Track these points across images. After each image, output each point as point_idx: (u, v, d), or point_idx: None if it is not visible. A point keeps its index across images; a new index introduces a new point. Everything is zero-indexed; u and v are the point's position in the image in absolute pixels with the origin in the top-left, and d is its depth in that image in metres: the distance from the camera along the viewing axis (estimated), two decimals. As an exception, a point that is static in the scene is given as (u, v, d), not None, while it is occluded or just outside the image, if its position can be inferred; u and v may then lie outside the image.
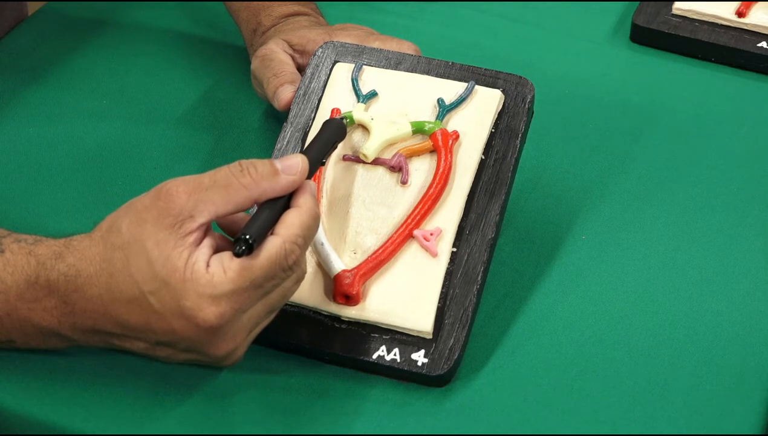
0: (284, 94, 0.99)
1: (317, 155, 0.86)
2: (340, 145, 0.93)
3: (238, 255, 0.77)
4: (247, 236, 0.77)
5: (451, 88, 0.95)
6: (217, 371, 0.85)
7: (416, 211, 0.89)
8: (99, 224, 0.80)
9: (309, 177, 0.82)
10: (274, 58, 1.02)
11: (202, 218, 0.77)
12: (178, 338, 0.78)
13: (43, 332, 0.80)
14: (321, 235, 0.88)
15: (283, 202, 0.80)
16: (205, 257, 0.77)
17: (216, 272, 0.76)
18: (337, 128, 0.89)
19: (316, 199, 0.81)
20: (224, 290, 0.76)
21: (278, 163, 0.80)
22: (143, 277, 0.76)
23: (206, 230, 0.79)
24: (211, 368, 0.85)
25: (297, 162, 0.81)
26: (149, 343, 0.79)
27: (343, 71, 0.97)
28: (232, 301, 0.76)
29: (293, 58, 1.03)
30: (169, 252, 0.76)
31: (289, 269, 0.79)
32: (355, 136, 0.94)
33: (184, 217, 0.77)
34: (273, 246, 0.78)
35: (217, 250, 0.79)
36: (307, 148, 0.86)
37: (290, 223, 0.79)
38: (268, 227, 0.79)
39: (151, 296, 0.76)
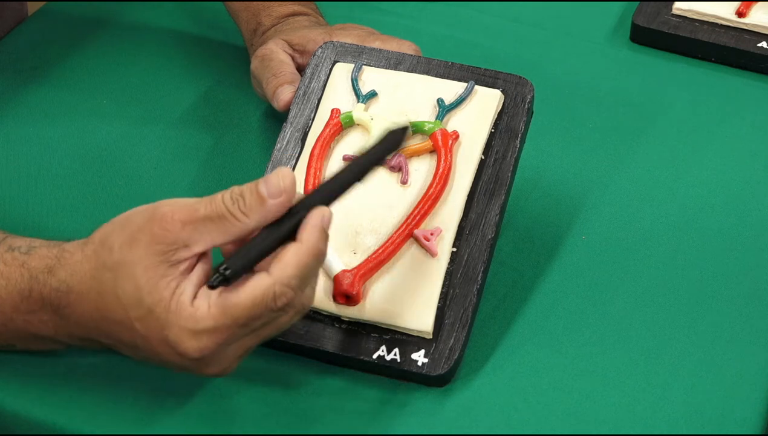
0: (283, 94, 0.99)
1: (353, 173, 0.79)
2: (340, 145, 0.93)
3: (211, 287, 0.74)
4: (224, 268, 0.75)
5: (451, 89, 0.95)
6: (217, 371, 0.85)
7: (416, 211, 0.89)
8: (92, 235, 0.78)
9: (341, 194, 0.78)
10: (274, 58, 1.02)
11: (197, 248, 0.76)
12: (165, 360, 0.77)
13: (42, 339, 0.81)
14: (321, 235, 0.88)
15: (287, 228, 0.77)
16: (192, 288, 0.75)
17: (200, 306, 0.75)
18: (393, 141, 0.80)
19: (325, 232, 0.77)
20: (205, 326, 0.75)
21: (263, 188, 0.76)
22: (130, 302, 0.75)
23: (199, 256, 0.77)
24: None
25: (277, 183, 0.76)
26: (140, 357, 0.79)
27: (342, 71, 0.97)
28: (214, 336, 0.75)
29: (293, 58, 1.03)
30: (157, 281, 0.75)
31: (279, 310, 0.76)
32: (355, 136, 0.94)
33: (179, 246, 0.75)
34: (260, 287, 0.75)
35: (208, 276, 0.77)
36: (358, 157, 0.80)
37: (286, 262, 0.75)
38: (255, 258, 0.76)
39: (137, 321, 0.76)
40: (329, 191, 0.79)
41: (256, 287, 0.75)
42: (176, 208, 0.76)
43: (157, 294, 0.75)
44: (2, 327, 0.80)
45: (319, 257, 0.77)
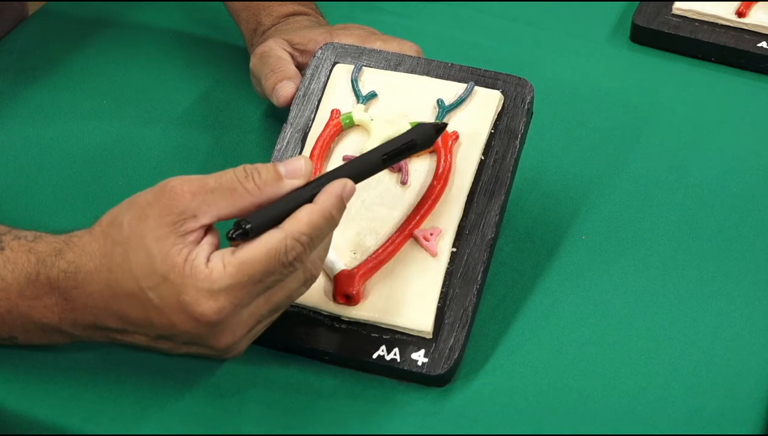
0: (283, 90, 0.99)
1: (377, 154, 0.84)
2: (340, 146, 0.93)
3: (230, 238, 0.76)
4: (245, 223, 0.77)
5: (451, 89, 0.95)
6: (217, 372, 0.85)
7: (416, 212, 0.89)
8: (99, 220, 0.80)
9: (364, 178, 0.82)
10: (272, 54, 1.02)
11: (204, 220, 0.77)
12: (178, 331, 0.78)
13: (45, 328, 0.80)
14: (321, 235, 0.88)
15: (305, 196, 0.79)
16: (205, 253, 0.77)
17: (215, 267, 0.76)
18: (420, 132, 0.86)
19: (342, 201, 0.80)
20: (222, 285, 0.76)
21: (282, 168, 0.79)
22: (142, 272, 0.76)
23: (207, 229, 0.79)
24: (212, 361, 0.85)
25: (300, 165, 0.80)
26: (150, 337, 0.79)
27: (342, 72, 0.97)
28: (230, 296, 0.76)
29: (293, 56, 1.03)
30: (168, 249, 0.76)
31: (289, 265, 0.78)
32: (355, 137, 0.94)
33: (187, 216, 0.77)
34: (273, 240, 0.77)
35: (218, 247, 0.79)
36: (378, 147, 0.85)
37: (298, 219, 0.78)
38: (273, 218, 0.78)
39: (150, 291, 0.76)
40: (356, 169, 0.82)
41: (269, 241, 0.77)
42: (185, 180, 0.78)
43: (170, 261, 0.76)
44: (6, 315, 0.80)
45: (330, 222, 0.79)
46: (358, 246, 0.89)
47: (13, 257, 0.80)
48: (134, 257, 0.77)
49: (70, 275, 0.78)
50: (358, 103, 0.95)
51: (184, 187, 0.77)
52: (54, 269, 0.79)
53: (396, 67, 0.97)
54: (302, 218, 0.78)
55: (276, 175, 0.79)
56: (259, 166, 0.79)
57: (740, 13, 1.16)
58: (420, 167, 0.92)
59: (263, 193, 0.78)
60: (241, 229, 0.77)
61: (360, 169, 0.83)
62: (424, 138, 0.86)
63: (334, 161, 0.93)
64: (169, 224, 0.77)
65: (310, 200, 0.79)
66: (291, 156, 0.94)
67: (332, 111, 0.95)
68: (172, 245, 0.76)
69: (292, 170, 0.80)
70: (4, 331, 0.82)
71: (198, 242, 0.77)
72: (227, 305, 0.76)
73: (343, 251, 0.89)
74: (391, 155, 0.84)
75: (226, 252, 0.77)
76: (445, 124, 0.88)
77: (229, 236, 0.77)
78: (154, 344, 0.80)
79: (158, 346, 0.80)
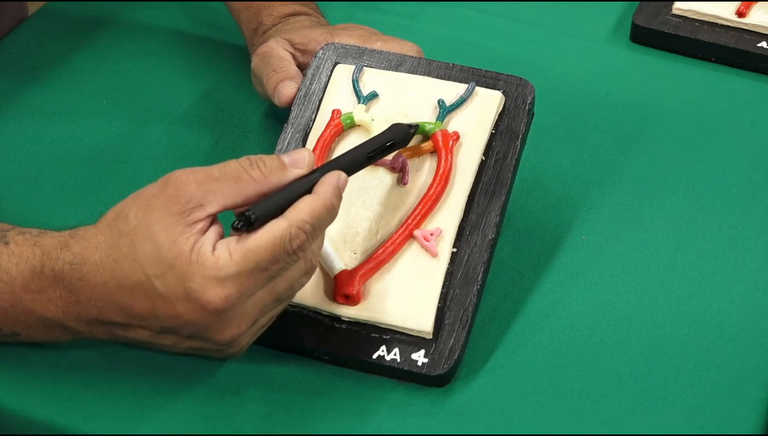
0: (285, 90, 0.99)
1: (363, 151, 0.86)
2: (340, 146, 0.93)
3: (235, 229, 0.77)
4: (250, 212, 0.77)
5: (452, 90, 0.95)
6: (218, 371, 0.85)
7: (416, 212, 0.89)
8: (104, 214, 0.80)
9: (352, 172, 0.83)
10: (274, 54, 1.02)
11: (211, 208, 0.78)
12: (183, 322, 0.78)
13: (47, 323, 0.80)
14: (321, 235, 0.89)
15: (303, 188, 0.80)
16: (211, 241, 0.77)
17: (221, 254, 0.76)
18: (399, 132, 0.89)
19: (339, 191, 0.81)
20: (229, 272, 0.76)
21: (286, 158, 0.80)
22: (149, 261, 0.77)
23: (213, 219, 0.79)
24: (214, 359, 0.85)
25: (304, 156, 0.81)
26: (153, 331, 0.79)
27: (343, 73, 0.97)
28: (237, 283, 0.77)
29: (294, 56, 1.03)
30: (176, 237, 0.77)
31: (293, 253, 0.78)
32: (355, 137, 0.94)
33: (194, 205, 0.77)
34: (278, 228, 0.77)
35: (222, 237, 0.79)
36: (359, 145, 0.87)
37: (300, 208, 0.79)
38: (276, 208, 0.79)
39: (157, 279, 0.77)
40: (345, 164, 0.84)
41: (273, 230, 0.77)
42: (189, 171, 0.79)
43: (177, 249, 0.76)
44: (10, 309, 0.80)
45: (331, 211, 0.80)
46: (358, 246, 0.89)
47: (18, 251, 0.80)
48: (141, 247, 0.77)
49: (75, 266, 0.78)
50: (359, 103, 0.95)
51: (189, 177, 0.78)
52: (59, 262, 0.79)
53: (397, 68, 0.97)
54: (305, 208, 0.79)
55: (280, 163, 0.80)
56: (263, 156, 0.80)
57: (740, 13, 1.16)
58: (420, 168, 0.92)
59: (268, 182, 0.79)
60: (245, 219, 0.77)
61: (348, 164, 0.84)
62: (402, 137, 0.89)
63: (335, 161, 0.93)
64: (176, 214, 0.77)
65: (308, 192, 0.80)
66: (291, 156, 0.94)
67: (333, 111, 0.95)
68: (180, 233, 0.77)
69: (296, 160, 0.81)
70: (6, 326, 0.82)
71: (204, 231, 0.78)
72: (234, 293, 0.77)
73: (343, 251, 0.89)
74: (375, 153, 0.86)
75: (231, 240, 0.78)
76: (418, 125, 0.90)
77: (234, 226, 0.77)
78: (156, 339, 0.80)
79: (161, 342, 0.80)
